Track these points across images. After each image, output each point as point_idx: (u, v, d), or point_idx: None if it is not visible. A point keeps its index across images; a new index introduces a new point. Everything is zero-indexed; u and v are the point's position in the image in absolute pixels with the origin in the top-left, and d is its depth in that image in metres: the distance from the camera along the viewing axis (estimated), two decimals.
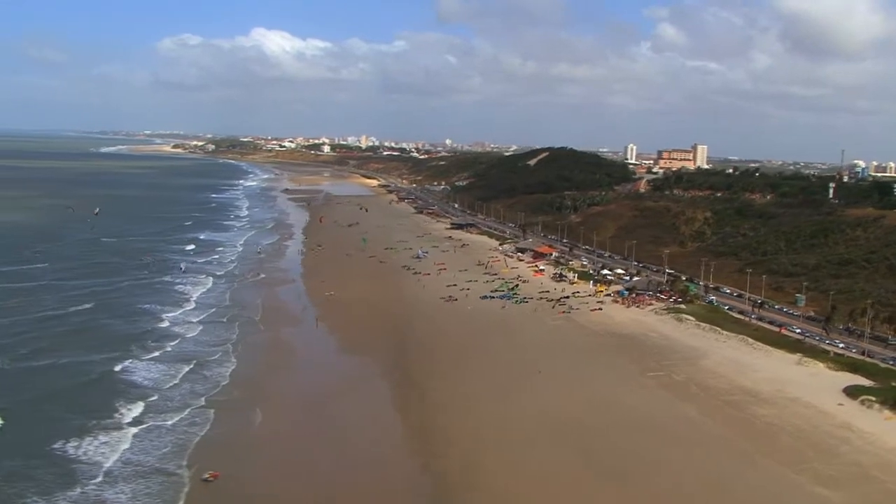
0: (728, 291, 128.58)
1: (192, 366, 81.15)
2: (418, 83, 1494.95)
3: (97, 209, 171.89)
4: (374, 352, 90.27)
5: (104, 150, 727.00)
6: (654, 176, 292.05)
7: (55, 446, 58.75)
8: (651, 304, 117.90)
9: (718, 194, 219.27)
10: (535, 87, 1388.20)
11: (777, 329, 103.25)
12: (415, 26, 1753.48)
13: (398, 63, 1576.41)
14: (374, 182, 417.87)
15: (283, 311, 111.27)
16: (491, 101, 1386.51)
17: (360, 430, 65.92)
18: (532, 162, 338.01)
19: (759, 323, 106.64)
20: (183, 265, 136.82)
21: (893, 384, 79.20)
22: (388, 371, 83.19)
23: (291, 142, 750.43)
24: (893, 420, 70.85)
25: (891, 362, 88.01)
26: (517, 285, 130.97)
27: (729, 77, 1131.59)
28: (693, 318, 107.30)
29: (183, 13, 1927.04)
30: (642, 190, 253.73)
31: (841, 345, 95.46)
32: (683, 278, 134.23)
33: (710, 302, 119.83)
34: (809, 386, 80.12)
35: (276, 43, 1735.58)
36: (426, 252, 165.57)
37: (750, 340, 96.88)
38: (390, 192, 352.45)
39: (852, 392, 76.99)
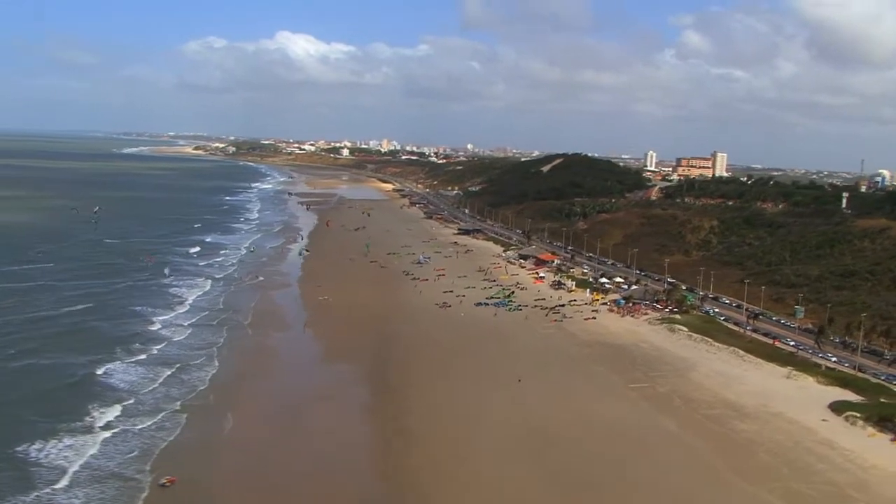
0: (728, 301, 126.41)
1: (173, 370, 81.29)
2: (441, 88, 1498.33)
3: (97, 208, 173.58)
4: (356, 358, 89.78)
5: (126, 150, 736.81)
6: (667, 184, 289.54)
7: (18, 449, 58.74)
8: (646, 314, 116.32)
9: (730, 203, 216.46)
10: (559, 94, 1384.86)
11: (771, 341, 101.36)
12: (439, 31, 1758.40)
13: (422, 67, 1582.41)
14: (389, 186, 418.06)
15: (275, 315, 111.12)
16: (514, 106, 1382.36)
17: (327, 437, 65.61)
18: (545, 168, 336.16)
19: (754, 335, 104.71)
20: (167, 269, 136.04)
21: (882, 400, 77.40)
22: (368, 378, 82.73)
23: (312, 145, 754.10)
24: (877, 437, 69.19)
25: (882, 377, 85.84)
26: (513, 292, 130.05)
27: (754, 85, 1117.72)
28: (686, 329, 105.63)
29: (208, 16, 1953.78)
30: (654, 197, 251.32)
31: (833, 358, 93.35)
32: (683, 287, 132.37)
33: (707, 312, 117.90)
34: (796, 400, 78.53)
35: (301, 46, 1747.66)
36: (428, 257, 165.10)
37: (741, 352, 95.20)
38: (404, 196, 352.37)
39: (838, 408, 75.33)
